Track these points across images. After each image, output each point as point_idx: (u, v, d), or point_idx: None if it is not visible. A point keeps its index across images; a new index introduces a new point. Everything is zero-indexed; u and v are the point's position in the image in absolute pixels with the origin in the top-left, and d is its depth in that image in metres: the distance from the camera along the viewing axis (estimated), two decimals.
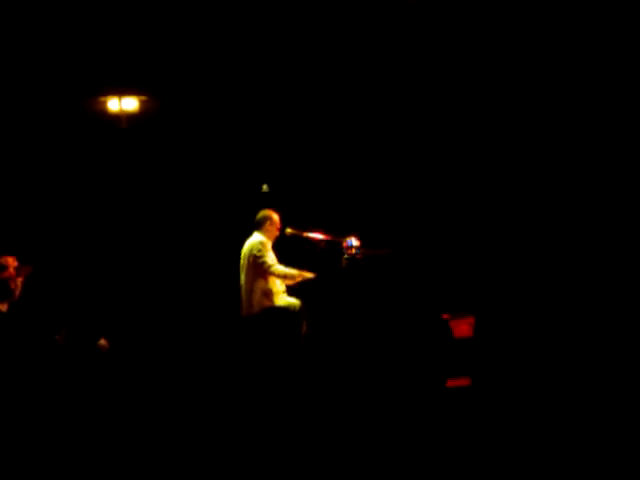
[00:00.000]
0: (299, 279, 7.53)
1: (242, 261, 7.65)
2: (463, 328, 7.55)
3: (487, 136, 9.59)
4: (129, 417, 6.00)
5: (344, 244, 7.54)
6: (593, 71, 9.05)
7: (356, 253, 7.51)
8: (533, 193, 9.19)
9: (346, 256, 7.51)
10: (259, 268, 7.47)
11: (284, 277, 7.49)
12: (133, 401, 6.36)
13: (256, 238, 7.59)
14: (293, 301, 7.59)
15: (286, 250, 7.84)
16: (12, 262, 6.70)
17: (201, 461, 5.28)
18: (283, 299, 7.61)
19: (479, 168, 9.60)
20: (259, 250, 7.48)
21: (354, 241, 7.53)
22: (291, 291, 7.65)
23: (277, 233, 7.69)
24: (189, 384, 6.96)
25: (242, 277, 7.65)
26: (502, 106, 9.45)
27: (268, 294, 7.53)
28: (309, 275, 7.56)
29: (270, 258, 7.47)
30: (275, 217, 7.68)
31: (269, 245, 7.59)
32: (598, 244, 8.56)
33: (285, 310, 7.49)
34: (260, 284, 7.52)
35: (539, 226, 9.07)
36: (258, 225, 7.67)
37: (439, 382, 6.94)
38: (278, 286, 7.59)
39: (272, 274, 7.44)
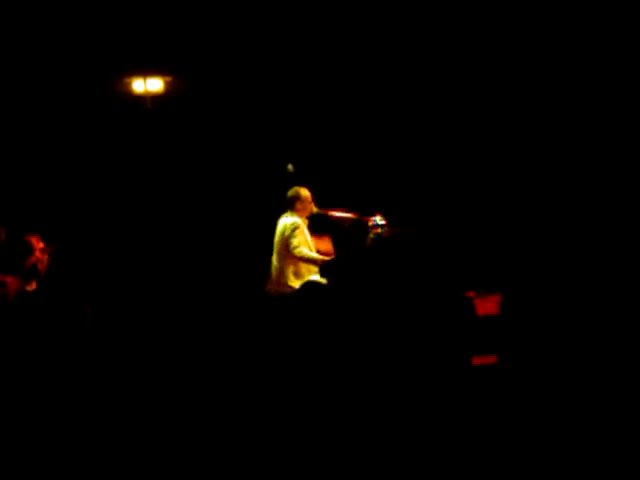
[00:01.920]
0: (319, 263, 7.53)
1: (275, 239, 7.66)
2: (489, 305, 7.53)
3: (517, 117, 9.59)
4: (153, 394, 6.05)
5: (370, 222, 7.53)
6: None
7: (382, 231, 7.50)
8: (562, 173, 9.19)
9: (372, 235, 7.51)
10: (287, 249, 7.50)
11: (307, 261, 7.50)
12: (153, 381, 6.41)
13: (289, 219, 7.57)
14: (323, 281, 7.61)
15: (312, 228, 7.84)
16: (37, 243, 6.78)
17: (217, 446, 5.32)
18: (313, 279, 7.61)
19: (507, 147, 9.58)
20: (292, 230, 7.49)
21: (380, 219, 7.52)
22: (321, 271, 7.65)
23: (310, 209, 7.67)
24: (210, 365, 7.01)
25: (274, 256, 7.66)
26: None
27: (298, 275, 7.55)
28: (328, 259, 7.55)
29: (296, 240, 7.45)
30: (304, 194, 7.65)
31: (302, 226, 7.57)
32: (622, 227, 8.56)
33: (321, 285, 7.50)
34: (291, 264, 7.54)
35: (566, 207, 9.06)
36: (289, 204, 7.66)
37: (463, 360, 6.93)
38: (310, 266, 7.59)
39: (295, 256, 7.45)
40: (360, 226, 7.67)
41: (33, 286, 6.67)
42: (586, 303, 7.81)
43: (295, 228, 7.47)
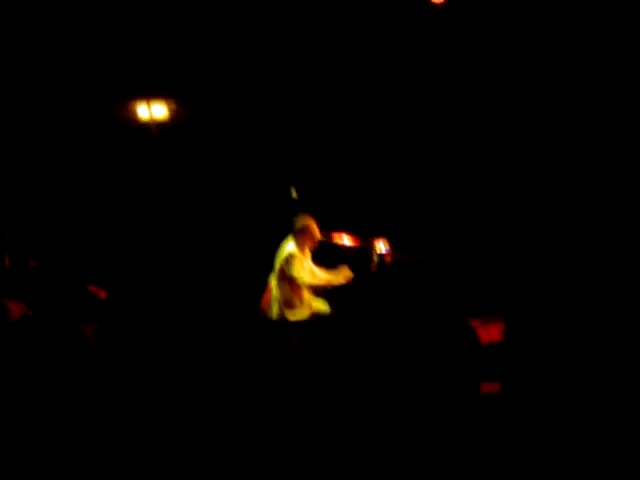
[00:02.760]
0: (328, 287, 7.52)
1: (275, 265, 7.64)
2: (493, 333, 7.53)
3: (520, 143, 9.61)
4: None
5: (374, 248, 7.53)
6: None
7: (385, 258, 7.50)
8: (565, 200, 9.20)
9: (376, 260, 7.51)
10: (285, 277, 7.46)
11: (314, 287, 7.48)
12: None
13: (288, 247, 7.53)
14: (322, 307, 7.59)
15: (316, 254, 7.85)
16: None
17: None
18: (308, 306, 7.58)
19: (509, 176, 9.60)
20: (287, 262, 7.43)
21: (384, 245, 7.53)
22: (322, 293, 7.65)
23: (314, 244, 7.61)
24: (198, 376, 7.01)
25: (272, 279, 7.64)
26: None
27: (289, 303, 7.51)
28: (337, 281, 7.55)
29: (297, 270, 7.41)
30: (311, 229, 7.53)
31: (299, 255, 7.51)
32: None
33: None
34: (285, 292, 7.51)
35: (569, 232, 9.06)
36: (295, 232, 7.62)
37: (469, 388, 6.91)
38: (305, 293, 7.57)
39: (300, 285, 7.43)
40: (364, 252, 7.66)
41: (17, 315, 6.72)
42: (589, 328, 7.79)
43: (289, 259, 7.40)
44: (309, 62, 10.07)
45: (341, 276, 7.52)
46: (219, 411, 6.29)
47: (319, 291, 7.61)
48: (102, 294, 6.77)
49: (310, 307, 7.56)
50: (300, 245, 7.52)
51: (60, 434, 5.38)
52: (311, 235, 7.53)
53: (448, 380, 6.95)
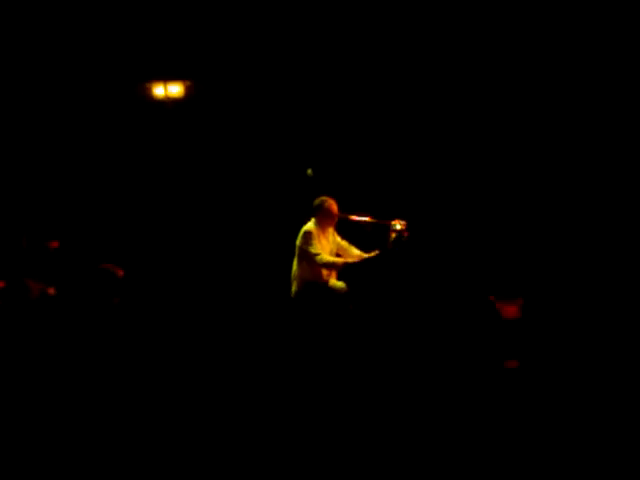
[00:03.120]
0: (342, 266, 7.56)
1: (296, 245, 7.70)
2: (511, 310, 7.52)
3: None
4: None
5: (391, 227, 7.54)
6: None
7: (403, 236, 7.50)
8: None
9: (392, 238, 7.51)
10: (304, 256, 7.53)
11: (329, 266, 7.53)
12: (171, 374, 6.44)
13: (307, 227, 7.62)
14: (340, 284, 7.63)
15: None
16: (54, 244, 6.87)
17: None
18: (330, 281, 7.65)
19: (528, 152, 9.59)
20: (305, 240, 7.53)
21: (400, 224, 7.53)
22: (340, 274, 7.68)
23: (333, 221, 7.67)
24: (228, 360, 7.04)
25: (294, 260, 7.71)
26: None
27: (307, 281, 7.58)
28: (354, 260, 7.59)
29: (314, 248, 7.47)
30: (329, 205, 7.64)
31: (316, 233, 7.57)
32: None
33: (325, 289, 7.54)
34: (305, 271, 7.58)
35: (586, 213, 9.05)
36: (314, 212, 7.70)
37: (493, 364, 6.90)
38: (325, 271, 7.62)
39: (316, 263, 7.48)
40: (381, 230, 7.67)
41: (52, 290, 6.74)
42: (605, 308, 7.78)
43: (308, 237, 7.49)
44: (326, 43, 10.04)
45: (359, 257, 7.59)
46: (230, 394, 6.31)
47: (336, 269, 7.66)
48: (120, 272, 6.77)
49: (328, 284, 7.62)
50: (319, 223, 7.60)
51: (73, 417, 5.42)
52: (329, 212, 7.61)
53: (471, 355, 6.95)
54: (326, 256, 7.52)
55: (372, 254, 7.61)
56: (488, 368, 6.80)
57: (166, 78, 10.58)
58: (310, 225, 7.61)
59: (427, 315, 7.50)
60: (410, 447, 5.17)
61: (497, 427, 5.49)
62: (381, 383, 6.43)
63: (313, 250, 7.45)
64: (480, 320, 7.29)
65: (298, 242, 7.58)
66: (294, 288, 7.63)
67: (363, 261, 7.60)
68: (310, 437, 5.36)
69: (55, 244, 7.83)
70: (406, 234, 7.51)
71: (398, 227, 7.52)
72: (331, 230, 7.72)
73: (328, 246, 7.66)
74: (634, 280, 8.33)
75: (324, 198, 7.69)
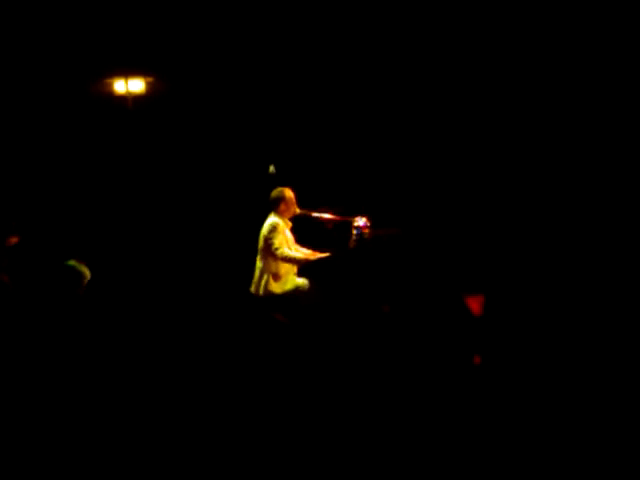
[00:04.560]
0: (303, 263, 7.53)
1: (259, 242, 7.65)
2: (473, 306, 7.54)
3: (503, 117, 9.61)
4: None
5: (353, 224, 7.52)
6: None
7: (365, 233, 7.49)
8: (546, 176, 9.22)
9: (354, 236, 7.50)
10: (269, 250, 7.48)
11: (288, 261, 7.48)
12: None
13: (270, 220, 7.57)
14: (300, 281, 7.60)
15: (295, 230, 7.83)
16: (13, 240, 6.84)
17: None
18: (294, 280, 7.61)
19: (493, 147, 9.61)
20: (269, 231, 7.48)
21: (362, 221, 7.52)
22: (301, 272, 7.64)
23: (294, 210, 7.64)
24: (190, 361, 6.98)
25: (257, 257, 7.65)
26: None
27: (276, 276, 7.54)
28: (315, 257, 7.57)
29: (277, 240, 7.44)
30: (288, 195, 7.62)
31: (282, 226, 7.55)
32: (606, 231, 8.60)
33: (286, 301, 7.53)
34: (269, 266, 7.53)
35: (549, 210, 9.09)
36: (272, 205, 7.64)
37: (466, 360, 6.90)
38: (288, 267, 7.59)
39: (277, 257, 7.43)
40: (343, 227, 7.65)
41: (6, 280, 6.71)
42: (571, 303, 7.82)
43: (273, 229, 7.45)
44: (289, 38, 10.00)
45: (316, 254, 7.57)
46: (208, 392, 6.26)
47: (297, 266, 7.63)
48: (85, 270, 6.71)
49: (294, 280, 7.59)
50: (282, 215, 7.56)
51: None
52: (288, 203, 7.58)
53: (443, 351, 6.95)
54: (287, 251, 7.48)
55: (324, 255, 7.56)
56: (459, 364, 6.81)
57: (127, 74, 10.49)
58: (275, 218, 7.56)
59: (393, 312, 7.49)
60: (387, 442, 5.16)
61: (470, 424, 5.50)
62: (354, 381, 6.41)
63: (276, 243, 7.41)
64: (451, 316, 7.29)
65: (264, 235, 7.51)
66: (262, 285, 7.56)
67: (325, 259, 7.58)
68: (295, 436, 5.34)
69: (14, 240, 7.71)
70: (368, 231, 7.51)
71: (360, 224, 7.51)
72: (289, 225, 7.69)
73: (291, 241, 7.64)
74: (599, 274, 8.38)
75: (281, 189, 7.66)
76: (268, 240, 7.45)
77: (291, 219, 7.70)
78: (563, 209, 9.19)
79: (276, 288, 7.53)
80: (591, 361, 6.57)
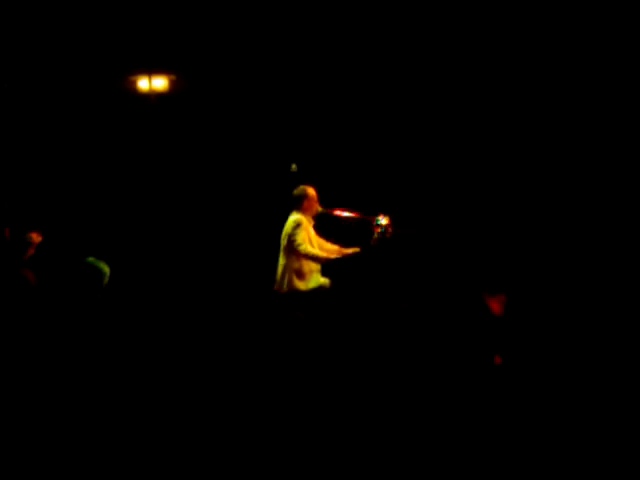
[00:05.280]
0: (325, 260, 7.54)
1: (282, 239, 7.67)
2: (494, 306, 7.50)
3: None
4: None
5: (374, 222, 7.52)
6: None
7: (386, 232, 7.48)
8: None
9: (376, 235, 7.50)
10: (291, 247, 7.49)
11: (311, 258, 7.49)
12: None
13: (293, 217, 7.59)
14: (324, 280, 7.61)
15: (316, 228, 7.83)
16: (36, 238, 6.86)
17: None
18: (318, 278, 7.61)
19: (519, 146, 9.59)
20: (293, 228, 7.49)
21: (384, 220, 7.51)
22: (324, 270, 7.65)
23: (316, 208, 7.65)
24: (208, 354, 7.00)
25: (280, 255, 7.67)
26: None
27: (299, 274, 7.55)
28: (339, 254, 7.59)
29: (300, 237, 7.45)
30: (311, 193, 7.64)
31: (305, 223, 7.56)
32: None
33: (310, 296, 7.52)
34: (293, 263, 7.55)
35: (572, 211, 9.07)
36: (295, 203, 7.65)
37: (484, 360, 6.87)
38: (312, 265, 7.59)
39: (300, 254, 7.45)
40: (364, 226, 7.65)
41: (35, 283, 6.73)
42: (589, 305, 7.78)
43: (297, 226, 7.47)
44: (311, 38, 10.01)
45: (343, 250, 7.58)
46: (224, 388, 6.28)
47: (320, 264, 7.64)
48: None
49: (318, 278, 7.60)
50: (304, 213, 7.58)
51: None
52: (310, 201, 7.60)
53: (463, 351, 6.92)
54: (310, 247, 7.50)
55: (350, 250, 7.59)
56: (480, 364, 6.78)
57: (151, 71, 10.53)
58: (297, 215, 7.58)
59: (415, 311, 7.47)
60: (402, 442, 5.16)
61: (487, 424, 5.49)
62: (371, 379, 6.41)
63: (299, 239, 7.42)
64: (471, 316, 7.26)
65: (285, 234, 7.53)
66: (286, 282, 7.57)
67: (346, 257, 7.58)
68: (300, 433, 5.35)
69: (38, 237, 7.77)
70: (390, 230, 7.50)
71: (382, 223, 7.51)
72: (312, 223, 7.70)
73: (314, 238, 7.65)
74: (618, 278, 8.34)
75: (304, 187, 7.67)
76: (291, 237, 7.47)
77: (314, 217, 7.71)
78: (584, 210, 9.15)
79: (300, 285, 7.54)
80: (611, 362, 6.53)
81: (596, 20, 9.20)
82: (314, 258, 7.51)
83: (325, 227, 7.90)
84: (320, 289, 7.58)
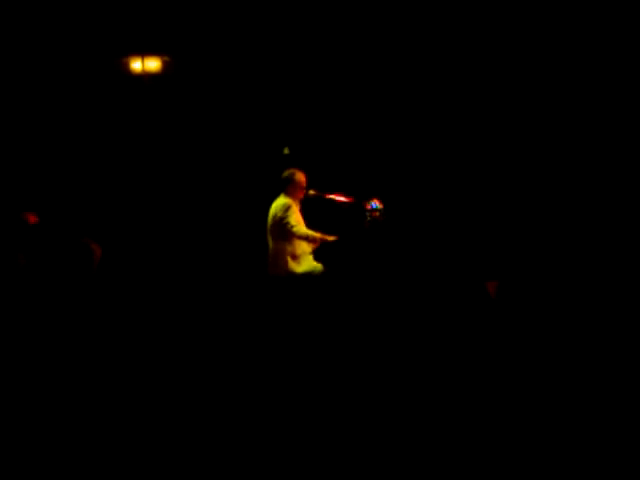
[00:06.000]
0: (321, 241, 7.51)
1: (268, 223, 7.61)
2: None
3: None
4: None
5: (367, 206, 7.49)
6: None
7: (377, 215, 7.46)
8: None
9: (368, 218, 7.47)
10: (283, 230, 7.45)
11: (306, 239, 7.46)
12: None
13: (281, 200, 7.55)
14: (317, 264, 7.57)
15: (309, 212, 7.80)
16: (33, 219, 6.81)
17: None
18: (309, 261, 7.57)
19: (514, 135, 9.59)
20: (283, 211, 7.45)
21: (376, 203, 7.48)
22: (314, 254, 7.62)
23: (303, 192, 7.61)
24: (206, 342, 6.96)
25: (268, 239, 7.62)
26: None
27: (294, 256, 7.51)
28: (331, 238, 7.54)
29: (293, 219, 7.42)
30: (299, 177, 7.60)
31: (294, 206, 7.52)
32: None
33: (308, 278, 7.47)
34: (286, 246, 7.50)
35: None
36: (283, 186, 7.62)
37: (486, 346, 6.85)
38: (305, 247, 7.55)
39: (294, 235, 7.41)
40: (356, 209, 7.62)
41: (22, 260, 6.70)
42: (583, 295, 7.77)
43: (287, 208, 7.43)
44: (304, 23, 9.97)
45: (326, 237, 7.54)
46: (223, 377, 6.25)
47: (314, 245, 7.60)
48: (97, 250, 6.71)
49: (310, 260, 7.57)
50: (291, 196, 7.53)
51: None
52: (296, 186, 7.55)
53: (465, 337, 6.90)
54: (305, 229, 7.47)
55: (331, 238, 7.52)
56: (480, 349, 6.76)
57: (144, 52, 10.46)
58: (285, 198, 7.54)
59: (410, 296, 7.45)
60: (405, 436, 5.13)
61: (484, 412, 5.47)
62: (368, 366, 6.39)
63: (292, 221, 7.38)
64: (472, 301, 7.24)
65: (276, 215, 7.48)
66: (281, 266, 7.52)
67: (340, 241, 7.55)
68: (299, 427, 5.32)
69: (33, 219, 7.71)
70: (382, 214, 7.47)
71: (375, 207, 7.48)
72: (298, 207, 7.65)
73: (301, 222, 7.61)
74: (611, 264, 8.34)
75: (293, 170, 7.63)
76: (283, 220, 7.42)
77: (301, 201, 7.66)
78: (576, 200, 9.16)
79: (296, 267, 7.49)
80: (602, 349, 6.53)
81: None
82: (309, 239, 7.47)
83: (316, 210, 7.86)
84: (312, 273, 7.54)
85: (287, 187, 7.57)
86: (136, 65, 10.51)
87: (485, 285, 7.21)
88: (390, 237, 7.62)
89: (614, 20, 9.14)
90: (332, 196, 7.73)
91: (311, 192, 7.67)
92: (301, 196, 7.61)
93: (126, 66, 10.56)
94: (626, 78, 9.16)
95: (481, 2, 9.59)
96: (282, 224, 7.43)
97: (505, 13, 9.55)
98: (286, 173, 7.63)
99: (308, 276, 7.50)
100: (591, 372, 6.09)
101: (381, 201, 7.56)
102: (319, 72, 10.17)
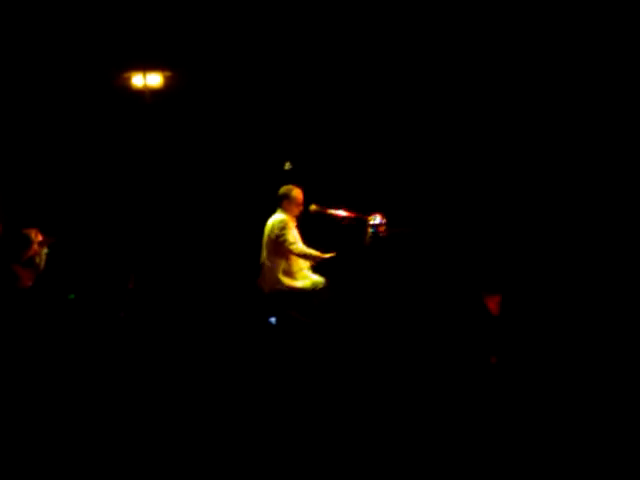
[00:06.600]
0: (319, 260, 7.48)
1: (264, 238, 7.59)
2: (491, 306, 7.45)
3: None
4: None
5: (368, 222, 7.46)
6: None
7: (380, 231, 7.43)
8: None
9: (370, 234, 7.44)
10: (280, 246, 7.43)
11: (304, 256, 7.44)
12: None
13: (278, 216, 7.54)
14: (316, 279, 7.54)
15: (310, 227, 7.77)
16: (35, 236, 6.78)
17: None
18: (307, 276, 7.55)
19: (516, 146, 9.56)
20: (280, 229, 7.42)
21: (378, 219, 7.45)
22: (316, 268, 7.59)
23: (299, 209, 7.59)
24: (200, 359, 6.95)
25: (263, 254, 7.60)
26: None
27: (288, 273, 7.49)
28: (328, 256, 7.51)
29: (291, 236, 7.40)
30: (295, 194, 7.58)
31: (291, 223, 7.51)
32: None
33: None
34: (281, 263, 7.48)
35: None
36: (279, 202, 7.60)
37: (483, 359, 6.82)
38: (301, 263, 7.53)
39: (292, 252, 7.39)
40: (358, 225, 7.59)
41: (29, 282, 6.67)
42: (586, 306, 7.74)
43: (283, 226, 7.41)
44: (307, 36, 9.97)
45: (326, 255, 7.51)
46: (219, 386, 6.24)
47: (312, 262, 7.58)
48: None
49: (307, 276, 7.53)
50: (288, 212, 7.52)
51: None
52: (291, 202, 7.53)
53: (461, 350, 6.88)
54: (303, 246, 7.45)
55: (328, 256, 7.48)
56: (476, 364, 6.73)
57: (145, 68, 10.48)
58: (281, 214, 7.52)
59: (410, 310, 7.42)
60: (399, 441, 5.11)
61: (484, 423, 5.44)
62: (368, 378, 6.37)
63: (290, 239, 7.37)
64: (469, 315, 7.21)
65: (272, 233, 7.45)
66: (274, 282, 7.50)
67: (343, 256, 7.52)
68: (298, 431, 5.30)
69: (38, 235, 7.65)
70: (384, 229, 7.44)
71: (376, 222, 7.45)
72: (295, 223, 7.63)
73: (299, 237, 7.58)
74: (616, 276, 8.31)
75: (290, 186, 7.61)
76: (280, 237, 7.40)
77: (297, 218, 7.63)
78: (581, 210, 9.12)
79: (290, 283, 7.47)
80: (607, 362, 6.49)
81: (596, 20, 9.17)
82: (307, 256, 7.45)
83: (317, 226, 7.83)
84: (313, 288, 7.51)
85: (283, 203, 7.56)
86: (137, 80, 10.53)
87: (484, 300, 7.18)
88: (392, 251, 7.59)
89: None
90: (334, 211, 7.69)
91: (313, 207, 7.65)
92: (297, 213, 7.60)
93: (127, 81, 10.58)
94: (626, 78, 9.14)
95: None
96: (279, 241, 7.41)
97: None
98: (283, 189, 7.61)
99: (304, 293, 7.47)
100: (595, 381, 6.07)
101: (384, 215, 7.52)
102: (321, 88, 10.17)
